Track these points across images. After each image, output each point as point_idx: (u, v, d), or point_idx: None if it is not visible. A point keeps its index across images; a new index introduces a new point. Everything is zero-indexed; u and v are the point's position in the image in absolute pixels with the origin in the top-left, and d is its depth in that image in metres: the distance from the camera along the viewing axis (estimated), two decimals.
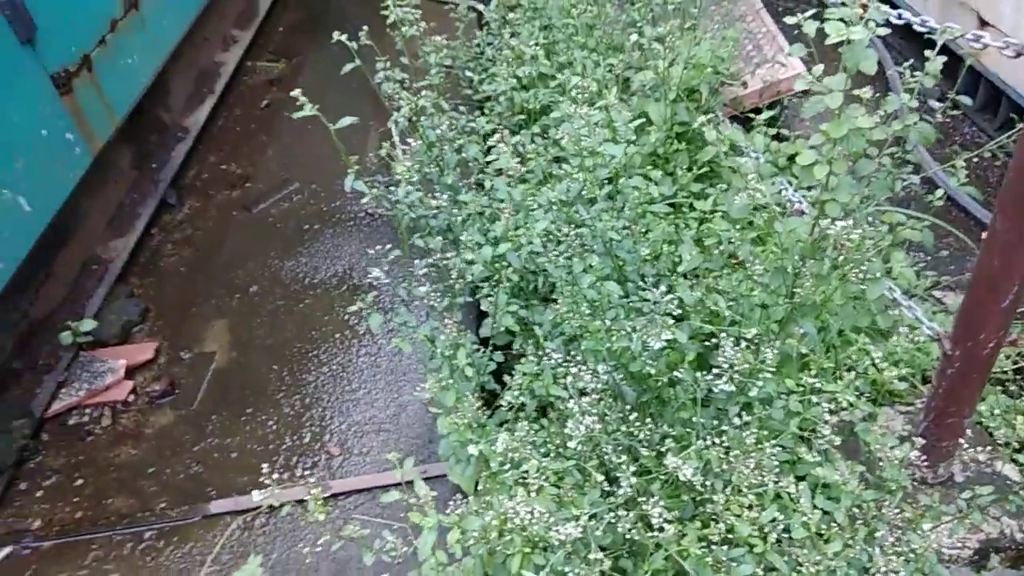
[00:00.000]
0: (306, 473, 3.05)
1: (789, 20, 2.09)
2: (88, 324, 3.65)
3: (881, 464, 2.19)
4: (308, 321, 3.68)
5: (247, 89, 5.38)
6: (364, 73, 2.96)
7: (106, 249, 4.11)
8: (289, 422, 3.26)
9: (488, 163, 2.82)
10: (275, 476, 3.00)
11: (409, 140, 3.17)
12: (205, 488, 3.07)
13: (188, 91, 5.10)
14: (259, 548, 2.83)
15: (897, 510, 2.03)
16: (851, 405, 2.16)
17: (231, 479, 3.08)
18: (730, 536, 2.00)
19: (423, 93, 3.06)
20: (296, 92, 2.36)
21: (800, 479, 2.15)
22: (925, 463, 2.12)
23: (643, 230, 2.98)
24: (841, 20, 1.93)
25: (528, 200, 2.58)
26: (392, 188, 2.98)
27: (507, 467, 2.25)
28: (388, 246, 2.47)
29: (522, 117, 3.70)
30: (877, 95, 2.43)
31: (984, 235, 2.17)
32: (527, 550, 2.13)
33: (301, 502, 2.25)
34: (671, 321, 2.19)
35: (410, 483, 2.35)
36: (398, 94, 3.08)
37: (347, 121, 2.37)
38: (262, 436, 3.22)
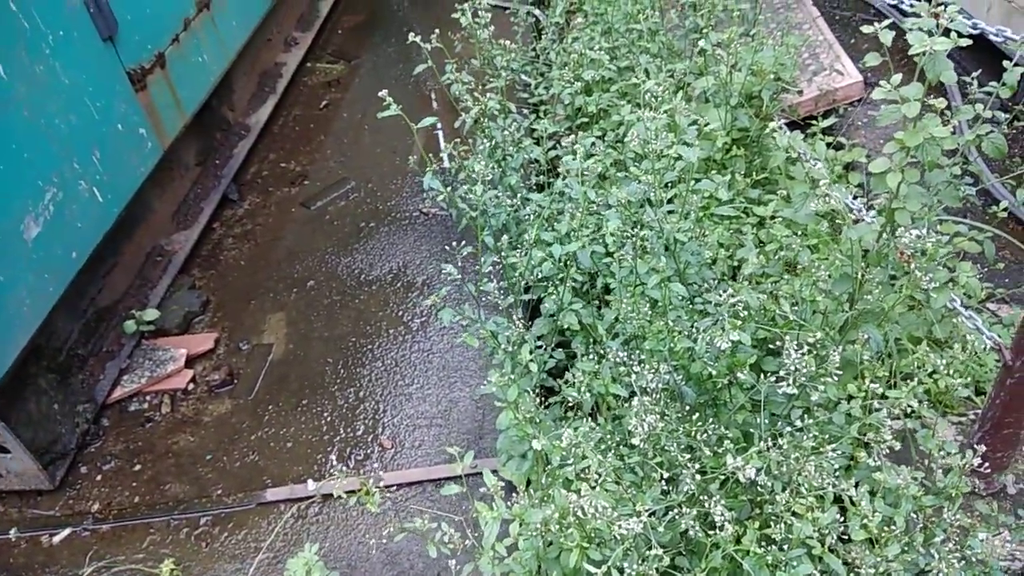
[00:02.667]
0: (359, 464, 3.11)
1: (866, 29, 2.09)
2: (151, 314, 3.77)
3: (936, 471, 2.18)
4: (363, 316, 3.75)
5: (307, 89, 5.51)
6: (419, 79, 3.04)
7: (170, 241, 4.25)
8: (343, 414, 3.33)
9: (550, 164, 2.86)
10: (328, 467, 3.11)
11: (464, 142, 3.23)
12: (261, 476, 3.15)
13: (251, 90, 5.24)
14: (313, 536, 2.89)
15: (956, 516, 2.02)
16: (913, 412, 2.15)
17: (286, 468, 3.15)
18: (788, 537, 2.00)
19: (488, 96, 3.12)
20: (383, 93, 2.44)
21: (857, 485, 2.15)
22: (985, 469, 2.10)
23: (703, 234, 3.00)
24: (922, 30, 1.94)
25: (600, 199, 2.61)
26: (451, 188, 3.04)
27: (570, 462, 2.28)
28: (463, 243, 2.52)
29: (584, 120, 3.74)
30: (944, 106, 2.42)
31: None
32: (585, 544, 2.16)
33: (354, 492, 2.31)
34: (738, 323, 2.21)
35: (468, 476, 2.39)
36: (464, 96, 3.14)
37: (392, 111, 2.44)
38: (317, 427, 3.30)
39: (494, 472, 2.91)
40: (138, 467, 3.27)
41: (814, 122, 3.75)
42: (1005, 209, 2.81)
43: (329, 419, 3.32)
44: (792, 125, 4.28)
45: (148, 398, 3.56)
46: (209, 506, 3.07)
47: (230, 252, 4.27)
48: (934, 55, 1.97)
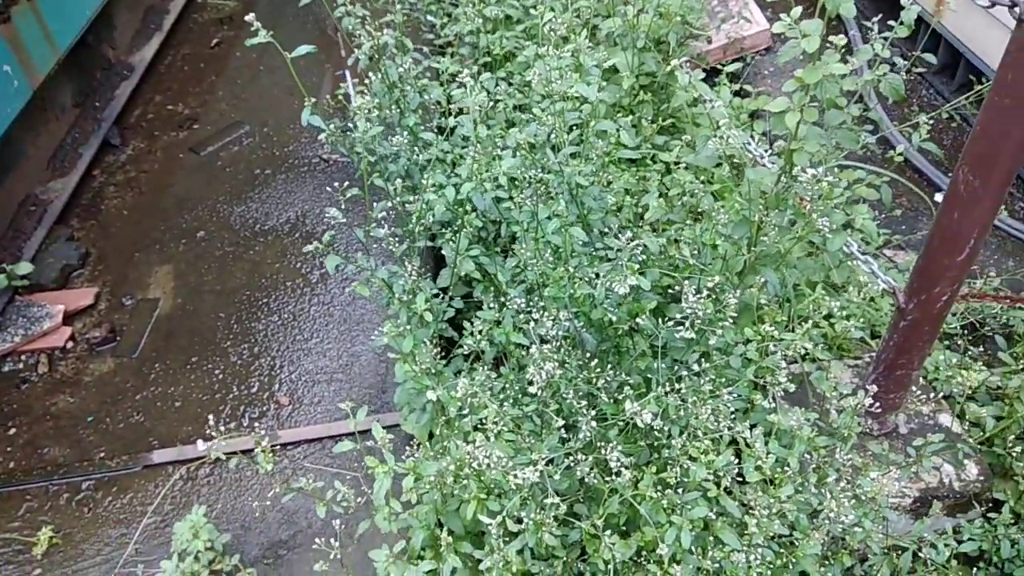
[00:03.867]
0: (254, 423, 2.97)
1: None
2: (24, 267, 3.47)
3: (831, 413, 2.21)
4: (258, 268, 3.55)
5: (197, 27, 5.13)
6: (320, 17, 2.83)
7: (45, 190, 3.91)
8: (237, 371, 3.16)
9: (451, 106, 2.72)
10: (221, 426, 2.95)
11: (367, 81, 3.04)
12: (147, 438, 2.96)
13: (135, 27, 4.84)
14: (203, 498, 2.74)
15: (848, 456, 2.05)
16: (807, 353, 2.17)
17: (175, 428, 2.97)
18: (684, 480, 2.00)
19: (385, 31, 2.93)
20: (250, 16, 2.21)
21: (753, 427, 2.16)
22: (876, 409, 2.14)
23: (607, 180, 2.93)
24: None
25: (496, 140, 2.49)
26: (350, 131, 2.86)
27: (465, 413, 2.21)
28: (346, 184, 2.36)
29: (487, 60, 3.59)
30: (844, 50, 2.41)
31: (939, 193, 2.17)
32: (483, 496, 2.10)
33: (248, 452, 2.18)
34: (636, 267, 2.15)
35: (363, 432, 2.29)
36: (359, 30, 2.94)
37: (304, 49, 2.25)
38: (208, 385, 3.12)
39: (395, 426, 2.83)
40: (13, 431, 3.02)
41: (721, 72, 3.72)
42: (901, 154, 2.84)
43: (221, 376, 3.14)
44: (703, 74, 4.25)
45: (23, 358, 3.29)
46: (91, 470, 2.87)
47: (112, 201, 3.96)
48: None
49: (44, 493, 2.82)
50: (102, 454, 2.92)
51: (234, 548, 2.59)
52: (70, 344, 3.31)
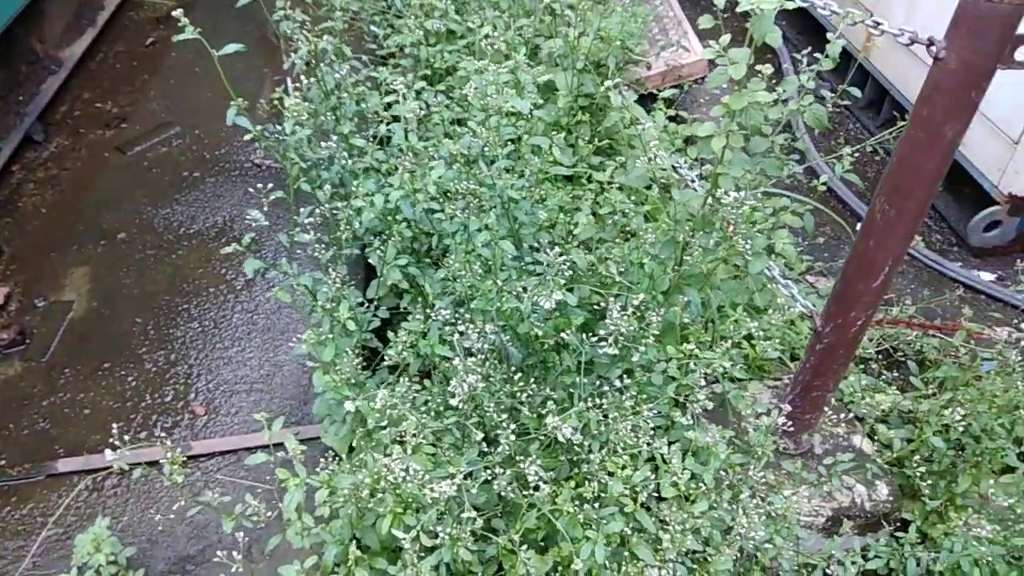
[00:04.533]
0: (166, 433, 2.85)
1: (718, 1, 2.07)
2: None
3: (748, 432, 2.25)
4: (180, 273, 3.44)
5: (132, 24, 4.99)
6: (261, 22, 2.77)
7: None
8: (151, 379, 3.04)
9: (387, 115, 2.69)
10: (131, 435, 2.83)
11: (302, 87, 2.99)
12: (52, 445, 2.82)
13: (66, 20, 4.67)
14: (109, 510, 2.62)
15: (761, 474, 2.08)
16: (725, 372, 2.20)
17: (82, 437, 2.84)
18: (602, 496, 1.99)
19: (324, 37, 2.90)
20: (178, 12, 2.15)
21: (672, 444, 2.18)
22: (790, 428, 2.18)
23: (541, 196, 2.95)
24: None
25: (429, 151, 2.48)
26: (281, 135, 2.81)
27: (385, 425, 2.17)
28: (270, 186, 2.31)
29: (427, 72, 3.58)
30: (774, 81, 2.48)
31: (860, 222, 2.25)
32: (399, 510, 2.06)
33: (153, 463, 2.09)
34: (562, 283, 2.16)
35: (278, 445, 2.22)
36: (296, 34, 2.90)
37: (232, 48, 2.20)
38: (119, 392, 2.99)
39: (316, 439, 2.76)
40: None
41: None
42: (824, 183, 2.93)
43: (134, 384, 3.02)
44: (641, 99, 4.33)
45: None
46: None
47: (30, 198, 3.79)
48: (761, 15, 1.98)
49: None
50: (2, 462, 2.76)
51: (139, 563, 2.48)
52: None
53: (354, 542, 2.16)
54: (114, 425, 2.69)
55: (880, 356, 3.11)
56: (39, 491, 2.69)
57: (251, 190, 3.80)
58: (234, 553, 1.86)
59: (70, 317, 3.25)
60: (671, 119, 4.08)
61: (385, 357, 2.43)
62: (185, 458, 2.23)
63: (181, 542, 2.55)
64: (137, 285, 3.38)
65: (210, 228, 3.63)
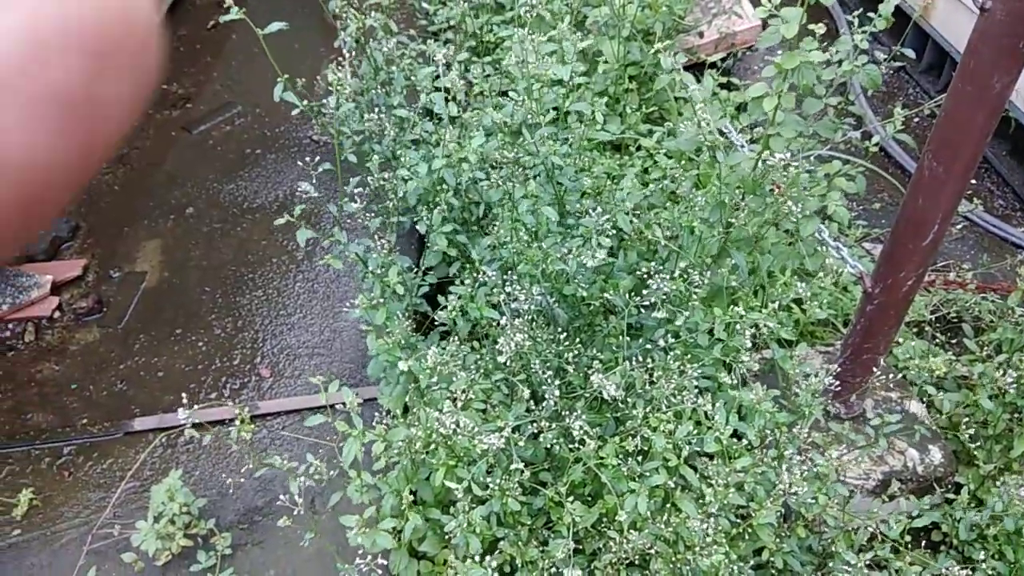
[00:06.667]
0: (235, 394, 3.01)
1: None
2: None
3: (796, 394, 2.26)
4: (245, 245, 3.60)
5: (195, 8, 5.17)
6: (318, 3, 2.86)
7: None
8: (220, 344, 3.21)
9: (432, 85, 2.77)
10: (202, 396, 3.01)
11: (356, 63, 3.09)
12: (129, 406, 3.01)
13: None
14: (182, 465, 2.79)
15: (807, 434, 2.10)
16: (773, 332, 2.21)
17: (157, 398, 3.02)
18: (647, 451, 2.05)
19: (372, 14, 2.98)
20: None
21: (713, 403, 2.21)
22: (837, 388, 2.19)
23: (587, 164, 2.98)
24: None
25: (473, 121, 2.54)
26: (331, 111, 2.91)
27: (436, 383, 2.26)
28: (317, 158, 2.41)
29: (472, 44, 3.63)
30: (827, 43, 2.46)
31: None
32: (451, 463, 2.15)
33: (229, 422, 2.22)
34: (607, 242, 2.20)
35: (338, 407, 2.34)
36: (345, 12, 2.99)
37: (276, 26, 2.29)
38: (191, 356, 3.17)
39: (374, 400, 2.88)
40: None
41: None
42: (877, 144, 2.88)
43: (205, 349, 3.19)
44: (693, 71, 4.30)
45: (11, 326, 3.33)
46: (73, 436, 2.92)
47: (104, 177, 4.01)
48: None
49: (26, 457, 2.86)
50: (84, 421, 2.97)
51: (210, 513, 2.64)
52: (57, 314, 3.36)
53: (410, 496, 2.27)
54: (192, 387, 2.88)
55: (936, 321, 3.06)
56: (118, 448, 2.88)
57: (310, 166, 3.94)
58: (296, 497, 1.98)
59: (143, 287, 3.45)
60: (723, 87, 4.05)
61: (436, 321, 2.52)
62: (251, 417, 2.37)
63: (249, 495, 2.70)
64: (205, 257, 3.55)
65: (271, 202, 3.78)
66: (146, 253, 3.60)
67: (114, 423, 2.95)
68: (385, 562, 1.97)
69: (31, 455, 2.87)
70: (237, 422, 2.14)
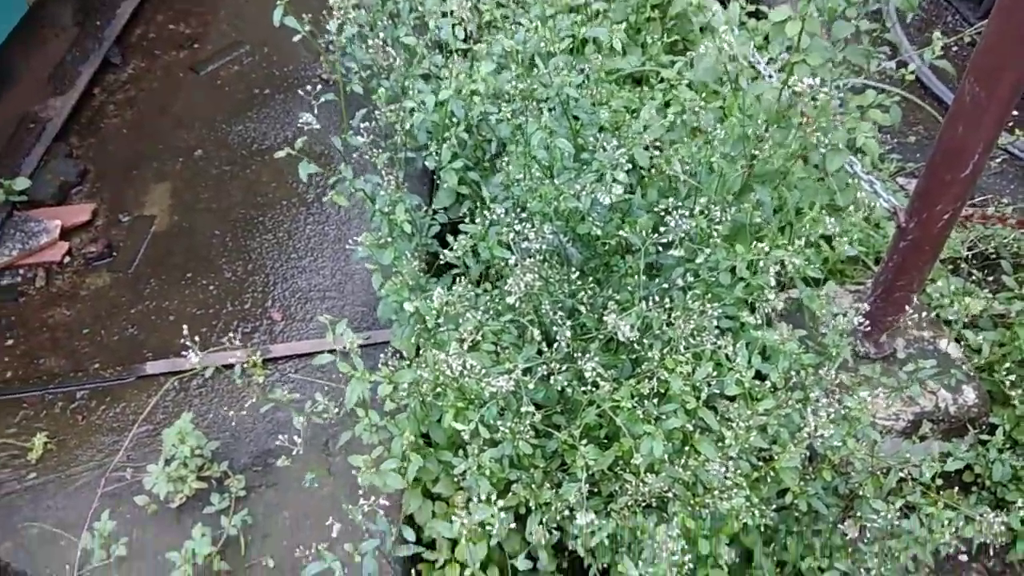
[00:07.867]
0: (246, 338, 2.97)
1: None
2: (22, 183, 3.46)
3: (824, 335, 2.15)
4: (254, 187, 3.52)
5: None
6: None
7: (44, 107, 3.88)
8: (231, 287, 3.16)
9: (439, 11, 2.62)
10: (214, 339, 2.97)
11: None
12: (141, 350, 2.98)
13: None
14: (194, 408, 2.77)
15: (834, 374, 2.00)
16: (798, 271, 2.10)
17: (168, 342, 2.99)
18: (662, 393, 1.96)
19: None
20: None
21: (735, 344, 2.11)
22: (867, 328, 2.07)
23: (605, 97, 2.84)
24: None
25: (483, 50, 2.41)
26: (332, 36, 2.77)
27: (443, 324, 2.18)
28: (319, 87, 2.30)
29: None
30: None
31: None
32: (460, 404, 2.09)
33: (230, 366, 2.17)
34: (623, 178, 2.09)
35: (362, 347, 2.27)
36: None
37: None
38: (202, 300, 3.12)
39: (387, 343, 2.82)
40: (10, 342, 3.06)
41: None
42: (913, 72, 2.69)
43: (215, 292, 3.14)
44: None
45: (21, 271, 3.31)
46: (85, 380, 2.91)
47: (112, 119, 3.93)
48: None
49: (40, 401, 2.86)
50: (97, 365, 2.95)
51: (223, 455, 2.62)
52: (67, 259, 3.32)
53: (422, 438, 2.22)
54: (204, 331, 2.83)
55: (972, 258, 2.91)
56: (130, 391, 2.86)
57: (321, 106, 3.82)
58: (296, 438, 1.93)
59: (153, 231, 3.39)
60: (751, 16, 3.84)
61: (449, 263, 2.43)
62: (263, 360, 2.33)
63: (262, 437, 2.68)
64: (215, 199, 3.48)
65: (281, 143, 3.66)
66: (155, 197, 3.54)
67: (126, 367, 2.93)
68: (387, 503, 1.93)
69: (45, 399, 2.86)
70: (249, 364, 2.10)
